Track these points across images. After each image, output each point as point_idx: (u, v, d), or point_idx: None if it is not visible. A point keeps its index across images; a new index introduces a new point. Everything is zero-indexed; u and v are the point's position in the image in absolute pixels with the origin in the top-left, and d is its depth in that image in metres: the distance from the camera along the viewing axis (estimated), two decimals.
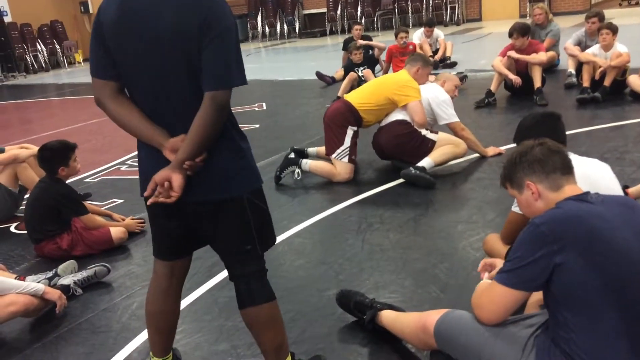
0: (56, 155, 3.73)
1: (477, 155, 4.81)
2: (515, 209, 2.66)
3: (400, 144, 4.58)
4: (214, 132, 1.84)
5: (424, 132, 4.55)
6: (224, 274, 3.13)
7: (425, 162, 4.40)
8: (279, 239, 3.63)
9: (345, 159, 4.62)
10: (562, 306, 1.74)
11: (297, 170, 4.73)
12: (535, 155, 1.91)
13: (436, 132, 4.60)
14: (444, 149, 4.49)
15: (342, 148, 4.61)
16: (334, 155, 4.64)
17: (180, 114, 1.86)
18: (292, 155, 4.84)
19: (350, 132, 4.62)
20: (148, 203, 1.90)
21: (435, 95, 4.64)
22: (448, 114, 4.63)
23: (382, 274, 3.11)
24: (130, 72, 1.89)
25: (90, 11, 18.27)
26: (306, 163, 4.71)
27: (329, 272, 3.19)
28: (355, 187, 4.51)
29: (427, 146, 4.51)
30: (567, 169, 1.89)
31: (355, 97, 4.73)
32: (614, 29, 6.30)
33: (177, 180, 1.82)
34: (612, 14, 12.65)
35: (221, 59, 1.80)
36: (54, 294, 2.95)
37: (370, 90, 4.79)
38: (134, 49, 1.83)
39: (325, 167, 4.69)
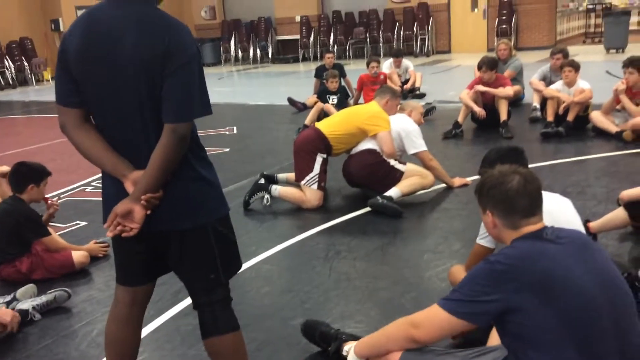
0: (32, 174, 3.71)
1: (444, 185, 4.88)
2: (480, 241, 2.70)
3: (370, 173, 4.63)
4: (173, 164, 1.84)
5: (392, 162, 4.61)
6: (188, 300, 3.07)
7: (393, 192, 4.45)
8: (246, 265, 3.60)
9: (315, 186, 4.63)
10: (520, 344, 1.77)
11: (267, 196, 4.72)
12: (506, 192, 1.89)
13: (404, 163, 4.66)
14: (412, 179, 4.55)
15: (311, 175, 4.63)
16: (303, 182, 4.66)
17: (144, 141, 1.86)
18: (262, 180, 4.83)
19: (319, 159, 4.64)
20: (107, 235, 1.88)
21: (404, 126, 4.72)
22: (417, 144, 4.71)
23: (348, 303, 3.10)
24: (95, 100, 1.89)
25: (61, 29, 18.05)
26: (275, 189, 4.71)
27: (295, 301, 3.17)
28: (324, 214, 4.52)
29: (395, 176, 4.56)
30: (531, 212, 1.89)
31: (326, 125, 4.78)
32: (576, 66, 6.51)
33: (139, 212, 1.81)
34: (576, 51, 13.08)
35: (182, 90, 1.81)
36: (6, 315, 2.87)
37: (341, 119, 4.86)
38: (98, 77, 1.84)
39: (295, 194, 4.69)
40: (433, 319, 1.89)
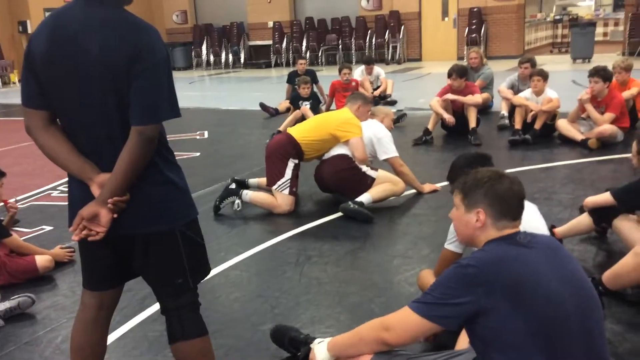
0: None
1: (414, 191, 4.92)
2: (448, 245, 2.74)
3: (342, 179, 4.65)
4: (140, 167, 1.82)
5: (364, 168, 4.64)
6: (155, 307, 3.04)
7: (364, 198, 4.47)
8: (215, 271, 3.57)
9: (286, 191, 4.63)
10: (490, 348, 1.78)
11: (237, 201, 4.70)
12: (501, 190, 1.91)
13: (376, 170, 4.69)
14: (383, 186, 4.59)
15: (283, 180, 4.62)
16: (274, 187, 4.65)
17: (110, 144, 1.84)
18: (233, 185, 4.81)
19: (291, 164, 4.64)
20: (73, 239, 1.85)
21: (376, 132, 4.76)
22: (389, 149, 4.75)
23: (319, 308, 3.10)
24: (61, 102, 1.86)
25: (29, 31, 17.73)
26: (246, 194, 4.69)
27: (264, 306, 3.16)
28: (296, 219, 4.51)
29: (367, 182, 4.59)
30: (517, 215, 1.93)
31: (298, 131, 4.78)
32: (544, 76, 6.64)
33: (105, 215, 1.79)
34: (543, 60, 13.34)
35: (150, 93, 1.79)
36: None
37: (314, 125, 4.87)
38: (64, 79, 1.82)
39: (266, 199, 4.68)
40: (404, 322, 1.89)
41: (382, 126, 4.87)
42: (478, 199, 1.93)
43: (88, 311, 2.10)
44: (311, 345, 2.31)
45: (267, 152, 4.78)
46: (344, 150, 4.67)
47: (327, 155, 4.76)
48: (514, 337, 1.73)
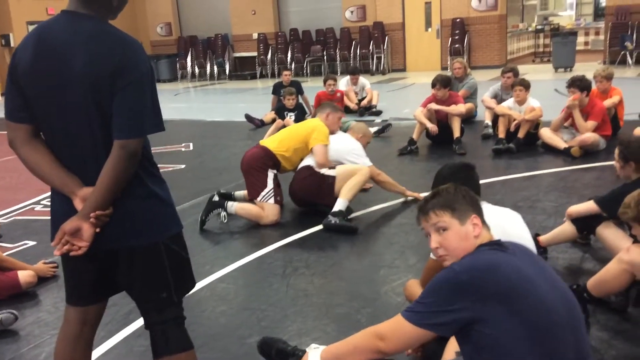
0: None
1: (400, 200, 4.93)
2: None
3: (305, 187, 4.68)
4: (123, 181, 1.81)
5: (322, 170, 4.63)
6: (140, 322, 3.01)
7: (340, 204, 4.45)
8: (201, 284, 3.55)
9: (271, 200, 4.62)
10: (482, 354, 1.77)
11: (223, 213, 4.68)
12: (473, 194, 2.01)
13: (333, 167, 4.68)
14: (349, 183, 4.52)
15: (266, 190, 4.62)
16: (259, 199, 4.64)
17: (93, 157, 1.83)
18: (216, 197, 4.79)
19: (271, 174, 4.67)
20: (55, 253, 1.84)
21: (347, 144, 4.82)
22: (362, 161, 4.77)
23: (306, 320, 3.09)
24: (44, 116, 1.86)
25: (12, 44, 17.60)
26: (232, 205, 4.67)
27: (251, 319, 3.14)
28: (282, 231, 4.50)
29: (329, 182, 4.58)
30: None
31: (271, 142, 4.84)
32: (526, 85, 6.72)
33: (88, 230, 1.78)
34: (526, 69, 13.49)
35: (133, 107, 1.79)
36: None
37: (285, 135, 4.93)
38: (48, 93, 1.81)
39: (253, 210, 4.66)
40: (398, 330, 1.89)
41: (351, 138, 4.90)
42: (466, 208, 1.96)
43: (72, 327, 2.07)
44: (306, 349, 2.29)
45: (243, 166, 4.79)
46: (309, 161, 4.69)
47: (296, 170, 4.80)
48: (508, 342, 1.72)
